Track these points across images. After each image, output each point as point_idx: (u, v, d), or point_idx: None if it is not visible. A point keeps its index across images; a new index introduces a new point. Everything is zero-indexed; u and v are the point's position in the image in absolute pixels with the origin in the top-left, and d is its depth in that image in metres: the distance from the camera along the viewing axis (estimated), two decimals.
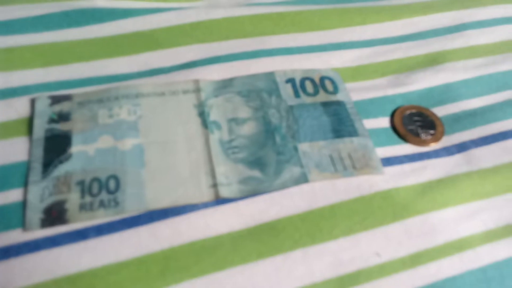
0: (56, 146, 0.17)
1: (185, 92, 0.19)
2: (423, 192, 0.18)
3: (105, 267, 0.15)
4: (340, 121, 0.19)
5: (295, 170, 0.18)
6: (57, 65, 0.20)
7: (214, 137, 0.18)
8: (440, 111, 0.21)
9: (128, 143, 0.17)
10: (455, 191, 0.18)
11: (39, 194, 0.16)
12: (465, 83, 0.22)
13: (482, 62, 0.23)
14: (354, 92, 0.21)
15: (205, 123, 0.19)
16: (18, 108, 0.18)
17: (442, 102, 0.21)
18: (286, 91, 0.20)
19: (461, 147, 0.19)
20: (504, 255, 0.17)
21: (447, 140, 0.20)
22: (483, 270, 0.16)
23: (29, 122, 0.18)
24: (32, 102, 0.18)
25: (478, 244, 0.17)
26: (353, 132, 0.19)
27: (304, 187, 0.17)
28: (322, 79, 0.21)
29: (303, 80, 0.20)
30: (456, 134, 0.20)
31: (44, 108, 0.18)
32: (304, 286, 0.15)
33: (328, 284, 0.16)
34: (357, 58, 0.22)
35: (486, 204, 0.18)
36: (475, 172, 0.19)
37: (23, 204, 0.16)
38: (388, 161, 0.18)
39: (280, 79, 0.20)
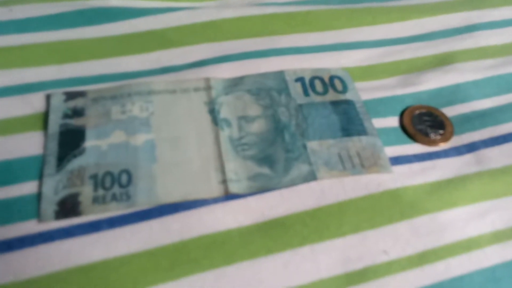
0: (70, 141, 0.18)
1: (196, 89, 0.20)
2: (432, 192, 0.18)
3: (117, 259, 0.15)
4: (349, 120, 0.19)
5: (304, 168, 0.18)
6: (72, 62, 0.20)
7: (224, 134, 0.18)
8: (450, 111, 0.21)
9: (140, 138, 0.18)
10: (464, 191, 0.18)
11: (53, 187, 0.16)
12: (474, 83, 0.22)
13: (492, 63, 0.23)
14: (364, 92, 0.21)
15: (215, 120, 0.19)
16: (34, 103, 0.19)
17: (451, 102, 0.21)
18: (296, 89, 0.20)
19: (471, 147, 0.19)
20: None
21: (457, 140, 0.20)
22: (492, 270, 0.16)
23: (45, 117, 0.18)
24: (48, 98, 0.19)
25: (486, 244, 0.17)
26: (362, 131, 0.19)
27: (312, 184, 0.17)
28: (332, 78, 0.21)
29: (312, 79, 0.21)
30: (466, 134, 0.20)
31: (59, 104, 0.19)
32: (311, 282, 0.16)
33: (335, 280, 0.16)
34: (366, 58, 0.22)
35: (496, 204, 0.18)
36: (484, 172, 0.18)
37: (38, 196, 0.16)
38: (397, 160, 0.19)
39: (289, 78, 0.21)
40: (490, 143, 0.20)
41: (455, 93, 0.21)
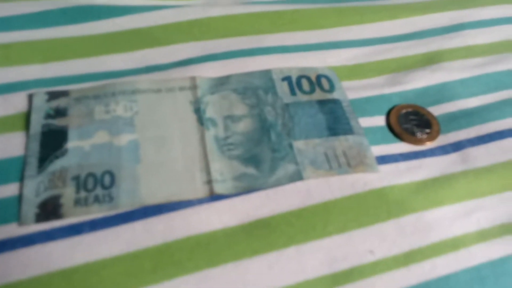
0: (52, 141, 0.17)
1: (181, 89, 0.19)
2: (418, 191, 0.18)
3: (99, 262, 0.15)
4: (335, 119, 0.19)
5: (290, 167, 0.18)
6: (55, 61, 0.20)
7: (210, 133, 0.18)
8: (437, 110, 0.21)
9: (124, 138, 0.18)
10: (450, 190, 0.18)
11: (34, 189, 0.16)
12: (462, 82, 0.22)
13: (479, 62, 0.23)
14: (351, 91, 0.21)
15: (201, 120, 0.19)
16: (16, 103, 0.18)
17: (438, 101, 0.21)
18: (282, 89, 0.20)
19: (457, 146, 0.19)
20: (498, 254, 0.17)
21: (443, 139, 0.20)
22: (477, 269, 0.16)
23: (26, 117, 0.18)
24: (30, 98, 0.18)
25: (472, 243, 0.17)
26: (348, 130, 0.19)
27: (298, 184, 0.17)
28: (319, 77, 0.21)
29: (299, 78, 0.21)
30: (452, 133, 0.20)
31: (41, 104, 0.18)
32: (297, 283, 0.15)
33: (321, 281, 0.16)
34: (354, 57, 0.22)
35: (481, 203, 0.18)
36: (470, 171, 0.18)
37: (19, 198, 0.16)
38: (383, 159, 0.18)
39: (276, 77, 0.20)
40: (476, 142, 0.20)
41: (442, 92, 0.21)
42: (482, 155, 0.19)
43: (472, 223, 0.17)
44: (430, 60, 0.22)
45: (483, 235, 0.17)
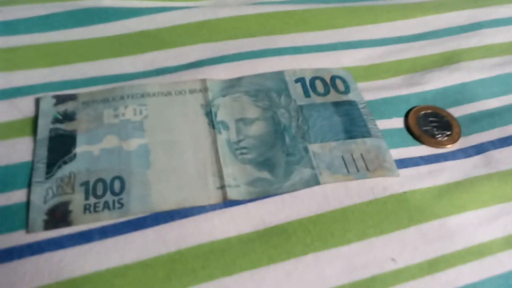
0: (60, 146, 0.17)
1: (191, 91, 0.19)
2: (440, 195, 0.17)
3: (110, 270, 0.14)
4: (352, 121, 0.19)
5: (306, 172, 0.17)
6: (62, 64, 0.19)
7: (222, 137, 0.18)
8: (456, 112, 0.20)
9: (134, 143, 0.17)
10: (474, 194, 0.17)
11: (42, 195, 0.16)
12: (481, 82, 0.21)
13: (498, 62, 0.22)
14: (367, 92, 0.20)
15: (212, 123, 0.18)
16: (22, 108, 0.18)
17: (458, 102, 0.20)
18: (296, 90, 0.19)
19: (479, 149, 0.19)
20: None
21: (464, 142, 0.19)
22: (505, 277, 0.16)
23: (34, 122, 0.17)
24: (37, 102, 0.18)
25: (499, 249, 0.16)
26: (365, 133, 0.18)
27: (315, 189, 0.17)
28: (333, 78, 0.20)
29: (313, 80, 0.20)
30: (474, 135, 0.19)
31: (48, 108, 0.18)
32: None
33: None
34: (369, 57, 0.22)
35: (507, 208, 0.17)
36: (494, 175, 0.18)
37: (27, 205, 0.15)
38: (403, 163, 0.18)
39: (289, 79, 0.20)
40: (499, 144, 0.19)
41: (462, 93, 0.20)
42: (506, 158, 0.18)
43: (498, 228, 0.16)
44: (448, 60, 0.22)
45: (510, 241, 0.16)
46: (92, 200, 0.16)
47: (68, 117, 0.18)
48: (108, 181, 0.16)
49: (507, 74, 0.21)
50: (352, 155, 0.18)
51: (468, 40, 0.23)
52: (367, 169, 0.17)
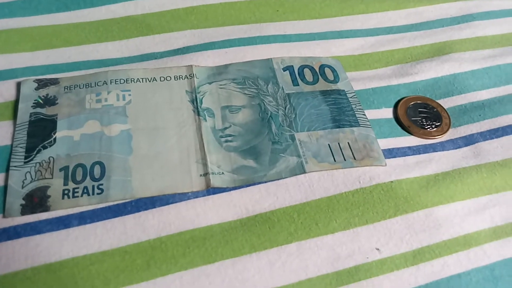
0: (40, 131, 0.16)
1: (177, 78, 0.19)
2: (428, 186, 0.17)
3: (87, 257, 0.14)
4: (340, 111, 0.18)
5: (292, 160, 0.17)
6: (45, 49, 0.19)
7: (207, 124, 0.17)
8: (447, 103, 0.20)
9: (116, 128, 0.17)
10: (462, 185, 0.17)
11: (20, 180, 0.15)
12: (472, 74, 0.21)
13: (490, 54, 0.22)
14: (356, 82, 0.20)
15: (197, 110, 0.18)
16: (3, 91, 0.17)
17: (448, 93, 0.20)
18: (284, 78, 0.19)
19: (469, 140, 0.18)
20: None
21: (454, 133, 0.19)
22: (490, 268, 0.15)
23: (14, 106, 0.17)
24: (18, 86, 0.18)
25: (485, 241, 0.16)
26: (353, 122, 0.18)
27: (300, 177, 0.16)
28: (322, 67, 0.20)
29: (302, 68, 0.20)
30: (463, 126, 0.19)
31: (29, 92, 0.17)
32: (299, 282, 0.14)
33: (324, 279, 0.15)
34: (359, 47, 0.21)
35: (495, 199, 0.17)
36: (483, 166, 0.17)
37: (4, 189, 0.15)
38: (391, 153, 0.17)
39: (277, 66, 0.19)
40: (489, 135, 0.19)
41: (452, 84, 0.20)
42: (495, 150, 0.18)
43: (485, 220, 0.16)
44: (439, 51, 0.22)
45: (497, 233, 0.16)
46: (71, 185, 0.15)
47: (50, 101, 0.17)
48: (88, 166, 0.16)
49: (498, 66, 0.21)
50: (339, 144, 0.17)
51: (460, 32, 0.22)
52: (354, 158, 0.17)
